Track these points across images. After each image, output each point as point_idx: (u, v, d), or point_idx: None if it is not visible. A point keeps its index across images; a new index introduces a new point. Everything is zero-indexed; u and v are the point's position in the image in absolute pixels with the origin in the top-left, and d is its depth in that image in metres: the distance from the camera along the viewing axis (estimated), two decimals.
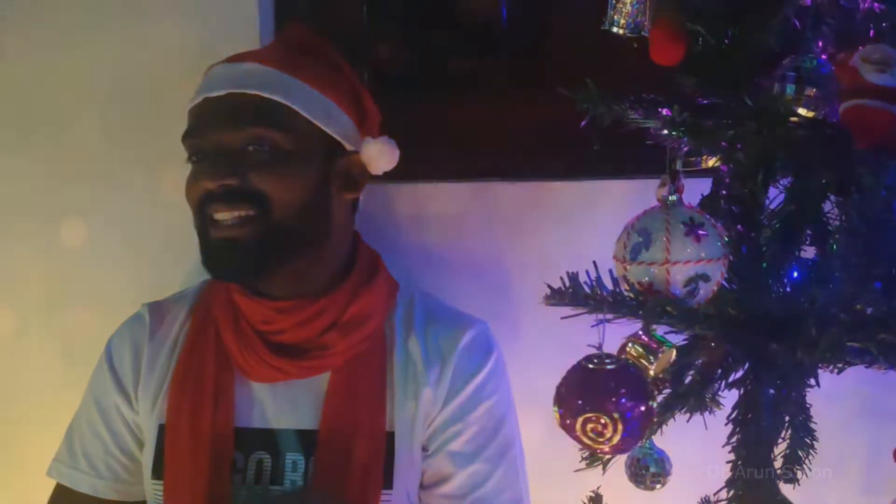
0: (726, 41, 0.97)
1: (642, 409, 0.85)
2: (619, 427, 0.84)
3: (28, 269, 1.37)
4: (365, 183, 1.13)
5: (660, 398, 1.04)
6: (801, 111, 0.88)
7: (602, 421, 0.84)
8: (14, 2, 1.33)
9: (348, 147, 1.10)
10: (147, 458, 1.09)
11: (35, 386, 1.38)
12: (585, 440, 0.86)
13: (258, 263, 1.04)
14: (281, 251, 1.04)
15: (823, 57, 0.90)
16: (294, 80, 1.06)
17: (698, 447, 1.09)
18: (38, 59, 1.33)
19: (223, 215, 1.02)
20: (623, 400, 0.84)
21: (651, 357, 0.92)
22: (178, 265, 1.33)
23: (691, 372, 1.06)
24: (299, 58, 1.09)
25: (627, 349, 0.93)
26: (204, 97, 1.05)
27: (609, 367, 0.87)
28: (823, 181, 0.97)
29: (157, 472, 1.07)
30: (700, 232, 0.89)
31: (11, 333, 1.38)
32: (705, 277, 0.89)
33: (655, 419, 1.01)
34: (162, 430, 1.08)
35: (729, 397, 1.03)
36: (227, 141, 1.02)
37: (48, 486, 1.15)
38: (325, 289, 1.09)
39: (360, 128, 1.12)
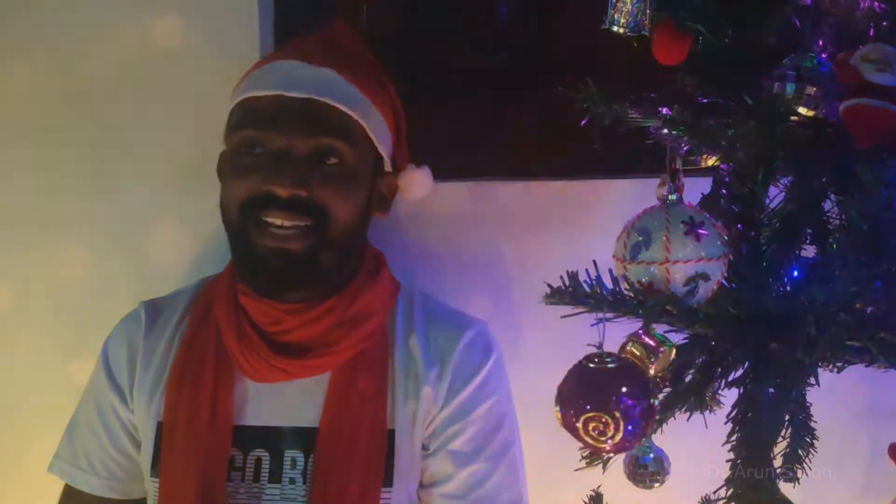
0: (726, 40, 0.97)
1: (644, 406, 0.85)
2: (622, 425, 0.83)
3: (27, 270, 1.37)
4: (392, 203, 1.15)
5: (660, 397, 1.04)
6: (802, 110, 0.88)
7: (604, 420, 0.84)
8: (10, 2, 1.33)
9: (388, 168, 1.12)
10: (145, 455, 1.09)
11: (35, 384, 1.38)
12: (588, 439, 0.86)
13: (305, 278, 1.03)
14: (328, 264, 1.04)
15: (823, 56, 0.90)
16: (365, 98, 1.06)
17: (698, 446, 1.09)
18: (35, 60, 1.33)
19: (282, 222, 1.00)
20: (624, 398, 0.84)
21: (651, 356, 0.92)
22: (176, 264, 1.33)
23: (691, 371, 1.06)
24: (365, 72, 1.09)
25: (628, 348, 0.93)
26: (277, 94, 1.02)
27: (610, 365, 0.86)
28: (823, 180, 0.97)
29: (156, 469, 1.07)
30: (700, 231, 0.89)
31: (12, 333, 1.38)
32: (705, 276, 0.89)
33: (657, 416, 1.01)
34: (160, 427, 1.08)
35: (729, 396, 1.03)
36: (298, 146, 1.01)
37: (48, 483, 1.15)
38: (333, 289, 1.09)
39: (395, 147, 1.14)
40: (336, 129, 1.03)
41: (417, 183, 1.15)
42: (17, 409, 1.38)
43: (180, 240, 1.34)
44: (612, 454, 1.01)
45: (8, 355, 1.38)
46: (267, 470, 1.05)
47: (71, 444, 1.14)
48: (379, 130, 1.08)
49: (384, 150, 1.10)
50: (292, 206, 1.00)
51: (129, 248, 1.35)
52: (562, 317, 0.89)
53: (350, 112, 1.04)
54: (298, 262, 1.02)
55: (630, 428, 0.84)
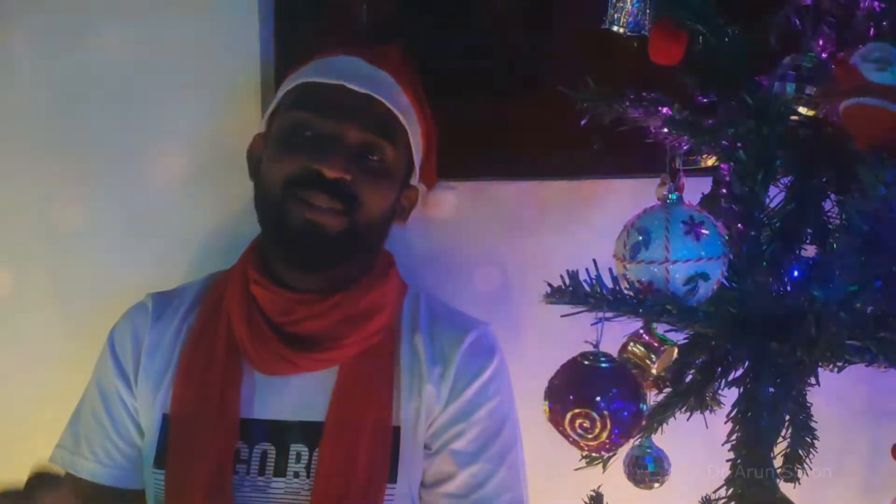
0: (726, 40, 0.97)
1: (632, 410, 0.85)
2: (608, 425, 0.84)
3: (32, 263, 1.37)
4: (409, 215, 1.19)
5: (660, 397, 1.04)
6: (802, 110, 0.89)
7: (591, 417, 0.84)
8: (13, 1, 1.33)
9: (414, 180, 1.17)
10: (149, 446, 1.10)
11: (37, 376, 1.37)
12: (573, 435, 0.86)
13: (332, 254, 1.08)
14: (352, 251, 1.09)
15: (823, 55, 0.90)
16: (410, 105, 1.12)
17: (698, 446, 1.09)
18: (38, 57, 1.33)
19: (321, 202, 1.04)
20: (614, 399, 0.84)
21: (653, 355, 0.92)
22: (183, 259, 1.33)
23: (691, 371, 1.06)
24: (413, 86, 1.15)
25: (629, 348, 0.94)
26: (340, 83, 1.07)
27: (603, 365, 0.87)
28: (824, 180, 0.97)
29: (160, 461, 1.08)
30: (700, 230, 0.89)
31: (15, 324, 1.38)
32: (705, 276, 0.89)
33: (645, 422, 1.01)
34: (166, 419, 1.09)
35: (729, 396, 1.03)
36: (350, 136, 1.06)
37: None
38: (344, 283, 1.11)
39: (423, 164, 1.18)
40: (385, 128, 1.08)
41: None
42: (18, 403, 1.38)
43: (185, 236, 1.34)
44: (594, 454, 1.01)
45: (11, 350, 1.38)
46: (272, 463, 1.06)
47: (73, 433, 1.14)
48: (417, 142, 1.14)
49: (417, 161, 1.15)
50: (334, 188, 1.04)
51: (133, 245, 1.35)
52: (562, 316, 0.88)
53: (400, 116, 1.10)
54: (329, 239, 1.05)
55: (616, 429, 0.84)
